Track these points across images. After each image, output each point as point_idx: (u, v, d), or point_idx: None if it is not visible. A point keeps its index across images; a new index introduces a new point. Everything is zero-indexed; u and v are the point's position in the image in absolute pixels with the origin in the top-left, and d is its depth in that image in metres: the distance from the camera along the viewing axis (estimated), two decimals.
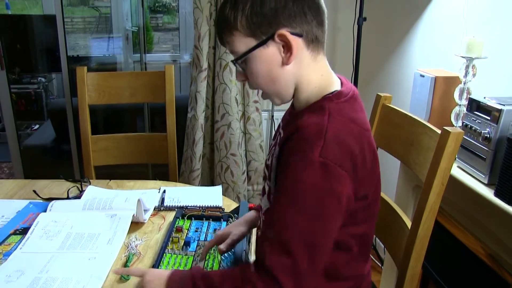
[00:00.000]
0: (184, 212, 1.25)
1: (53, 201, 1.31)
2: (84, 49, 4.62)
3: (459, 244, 1.42)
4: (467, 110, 1.45)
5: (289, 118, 0.96)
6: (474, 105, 1.41)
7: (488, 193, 1.30)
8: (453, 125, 1.64)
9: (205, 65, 2.30)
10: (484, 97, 1.38)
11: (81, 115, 1.75)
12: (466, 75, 1.57)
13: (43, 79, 3.85)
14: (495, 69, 1.61)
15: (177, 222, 1.21)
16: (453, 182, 1.38)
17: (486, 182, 1.35)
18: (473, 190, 1.34)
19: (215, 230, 1.18)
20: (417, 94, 1.80)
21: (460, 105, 1.61)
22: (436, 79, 1.69)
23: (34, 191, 1.42)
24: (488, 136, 1.32)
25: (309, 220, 0.77)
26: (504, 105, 1.29)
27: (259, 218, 1.07)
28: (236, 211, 1.24)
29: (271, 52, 0.84)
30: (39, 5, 4.06)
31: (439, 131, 0.99)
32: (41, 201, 1.37)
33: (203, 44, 2.26)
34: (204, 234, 1.16)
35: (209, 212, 1.25)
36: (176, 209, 1.32)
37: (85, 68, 1.74)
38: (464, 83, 1.59)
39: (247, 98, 2.41)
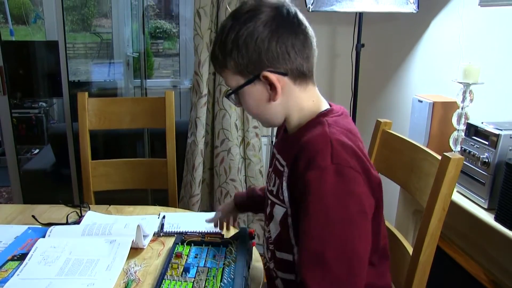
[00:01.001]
0: (183, 238, 1.23)
1: (52, 227, 1.30)
2: (85, 74, 4.66)
3: (461, 270, 1.41)
4: (465, 135, 1.46)
5: (284, 143, 1.01)
6: (472, 130, 1.42)
7: (488, 218, 1.30)
8: (451, 150, 1.65)
9: (205, 91, 2.32)
10: (482, 122, 1.39)
11: (81, 140, 1.75)
12: (463, 100, 1.59)
13: (44, 104, 3.88)
14: (492, 94, 1.63)
15: (176, 248, 1.19)
16: (453, 207, 1.38)
17: (486, 207, 1.35)
18: (473, 215, 1.34)
19: (214, 256, 1.17)
20: (415, 119, 1.81)
21: (458, 130, 1.62)
22: (434, 104, 1.70)
23: (33, 216, 1.41)
24: (487, 161, 1.33)
25: (338, 227, 0.78)
26: (501, 130, 1.30)
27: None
28: (236, 237, 1.23)
29: (259, 89, 0.90)
30: (42, 32, 4.12)
31: (439, 157, 1.00)
32: (40, 226, 1.36)
33: (203, 70, 2.29)
34: (204, 260, 1.15)
35: (208, 238, 1.23)
36: (175, 235, 1.31)
37: (86, 93, 1.75)
38: (462, 108, 1.60)
39: (247, 124, 2.42)
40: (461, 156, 0.96)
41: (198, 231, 1.33)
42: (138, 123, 1.84)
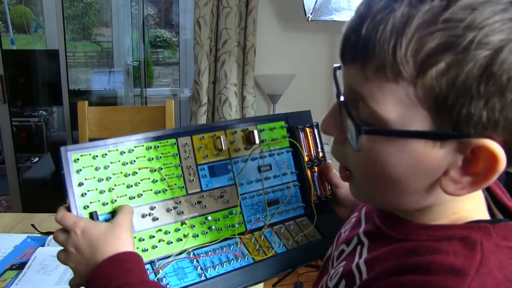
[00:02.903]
0: (297, 127, 0.76)
1: (51, 235, 1.30)
2: (85, 83, 4.68)
3: None
4: None
5: (383, 221, 0.52)
6: None
7: None
8: None
9: (204, 99, 2.33)
10: None
11: None
12: None
13: (44, 112, 3.88)
14: None
15: (266, 128, 0.73)
16: None
17: None
18: None
19: (274, 202, 0.73)
20: None
21: None
22: None
23: (32, 225, 1.41)
24: None
25: None
26: None
27: None
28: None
29: (439, 157, 0.42)
30: (43, 40, 4.14)
31: None
32: (39, 235, 1.36)
33: (203, 79, 2.30)
34: (260, 189, 0.72)
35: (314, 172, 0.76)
36: None
37: (86, 102, 1.76)
38: None
39: None
40: None
41: None
42: (138, 132, 1.83)
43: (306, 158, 0.74)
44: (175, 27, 4.54)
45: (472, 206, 0.48)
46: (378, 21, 0.40)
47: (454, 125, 0.39)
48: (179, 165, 0.68)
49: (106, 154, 0.67)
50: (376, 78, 0.41)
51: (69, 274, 1.13)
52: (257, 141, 0.70)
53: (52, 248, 1.25)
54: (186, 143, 0.69)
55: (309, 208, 0.74)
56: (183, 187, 0.68)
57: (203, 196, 0.68)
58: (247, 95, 2.40)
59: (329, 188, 0.77)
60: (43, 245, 1.26)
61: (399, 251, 0.47)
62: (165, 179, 0.67)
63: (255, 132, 0.70)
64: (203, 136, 0.69)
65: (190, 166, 0.68)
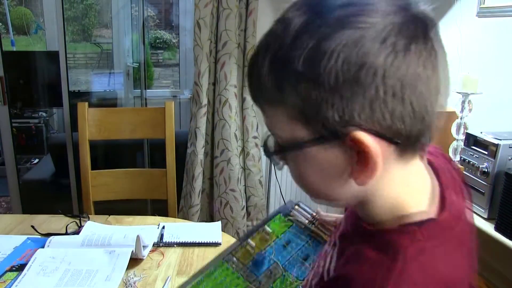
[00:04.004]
0: (291, 210, 0.93)
1: (51, 237, 1.30)
2: (85, 84, 4.69)
3: None
4: (464, 145, 1.47)
5: (351, 231, 0.57)
6: (471, 140, 1.42)
7: (488, 227, 1.30)
8: None
9: (204, 101, 2.33)
10: (481, 132, 1.40)
11: (81, 150, 1.76)
12: (462, 110, 1.60)
13: (44, 114, 3.89)
14: (490, 104, 1.64)
15: (271, 222, 0.90)
16: None
17: (485, 216, 1.35)
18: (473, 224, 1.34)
19: (306, 257, 0.86)
20: None
21: (457, 140, 1.63)
22: None
23: (32, 227, 1.41)
24: (486, 170, 1.33)
25: None
26: (500, 139, 1.30)
27: None
28: None
29: (334, 156, 0.47)
30: (43, 42, 4.15)
31: None
32: (39, 236, 1.36)
33: (203, 80, 2.30)
34: (289, 257, 0.85)
35: (319, 226, 0.90)
36: (174, 246, 1.31)
37: (86, 103, 1.76)
38: (461, 118, 1.61)
39: (246, 134, 2.42)
40: (460, 166, 0.96)
41: (198, 241, 1.33)
42: (138, 134, 1.84)
43: (306, 222, 0.91)
44: (175, 29, 4.55)
45: (408, 196, 0.50)
46: (251, 71, 0.49)
47: (325, 128, 0.45)
48: (239, 276, 0.84)
49: None
50: (266, 110, 0.50)
51: (68, 275, 1.13)
52: (270, 232, 0.89)
53: (52, 250, 1.25)
54: (233, 260, 0.86)
55: None
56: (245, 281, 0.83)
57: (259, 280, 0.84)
58: (247, 96, 2.40)
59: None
60: (43, 247, 1.26)
61: (344, 256, 0.52)
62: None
63: (267, 228, 0.89)
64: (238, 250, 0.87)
65: (241, 268, 0.85)
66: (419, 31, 0.44)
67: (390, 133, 0.45)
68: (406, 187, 0.51)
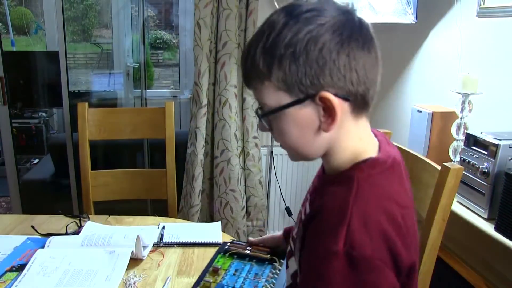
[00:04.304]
0: (228, 247, 1.11)
1: (51, 237, 1.30)
2: (86, 84, 4.68)
3: (461, 280, 1.41)
4: (464, 145, 1.47)
5: (318, 185, 0.82)
6: (472, 140, 1.42)
7: (488, 228, 1.30)
8: (451, 160, 1.65)
9: (204, 101, 2.33)
10: (481, 132, 1.39)
11: (81, 150, 1.75)
12: (462, 110, 1.60)
13: (44, 114, 3.89)
14: (490, 104, 1.64)
15: (216, 260, 1.08)
16: (453, 217, 1.37)
17: (486, 216, 1.35)
18: (473, 225, 1.34)
19: (255, 275, 1.04)
20: (414, 129, 1.82)
21: (457, 140, 1.63)
22: (433, 114, 1.71)
23: (32, 227, 1.41)
24: (486, 170, 1.33)
25: None
26: (500, 140, 1.30)
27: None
28: (283, 256, 1.09)
29: (308, 114, 0.69)
30: (43, 42, 4.15)
31: (439, 167, 1.00)
32: (39, 236, 1.36)
33: (203, 80, 2.30)
34: (242, 280, 1.02)
35: (255, 251, 1.10)
36: (174, 246, 1.31)
37: (86, 104, 1.76)
38: (461, 119, 1.61)
39: (246, 134, 2.42)
40: (460, 166, 0.96)
41: (197, 241, 1.33)
42: (138, 134, 1.84)
43: (244, 250, 1.13)
44: (175, 29, 4.55)
45: (361, 148, 0.73)
46: (246, 59, 0.71)
47: (301, 91, 0.67)
48: None
49: None
50: (257, 86, 0.71)
51: (68, 275, 1.13)
52: (219, 267, 1.08)
53: (52, 250, 1.25)
54: None
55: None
56: None
57: None
58: (247, 96, 2.40)
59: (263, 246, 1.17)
60: (43, 247, 1.26)
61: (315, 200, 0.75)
62: None
63: (216, 265, 1.09)
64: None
65: None
66: (357, 26, 0.68)
67: (344, 93, 0.67)
68: (359, 141, 0.73)
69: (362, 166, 0.70)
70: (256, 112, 0.76)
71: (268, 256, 1.10)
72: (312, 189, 0.83)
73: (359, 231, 0.62)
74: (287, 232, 1.13)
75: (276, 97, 0.69)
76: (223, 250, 1.13)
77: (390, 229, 0.64)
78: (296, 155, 0.76)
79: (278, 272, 1.05)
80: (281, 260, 1.09)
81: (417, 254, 0.73)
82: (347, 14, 0.68)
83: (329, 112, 0.67)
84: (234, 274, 1.04)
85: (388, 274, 0.63)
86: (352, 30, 0.67)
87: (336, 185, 0.70)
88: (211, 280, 1.03)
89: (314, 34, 0.65)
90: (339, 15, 0.67)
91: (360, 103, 0.70)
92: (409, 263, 0.68)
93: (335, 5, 0.69)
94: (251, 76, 0.71)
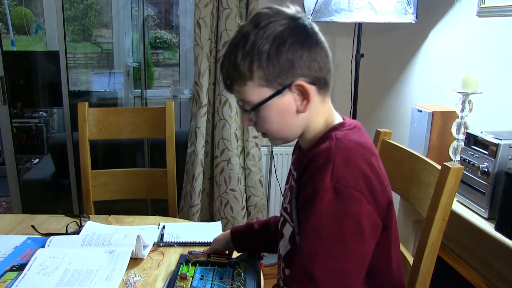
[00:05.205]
0: (188, 258, 1.19)
1: (52, 237, 1.30)
2: (86, 84, 4.68)
3: (462, 280, 1.41)
4: (464, 144, 1.46)
5: (299, 159, 0.97)
6: (472, 140, 1.42)
7: (488, 227, 1.30)
8: (451, 160, 1.65)
9: (205, 101, 2.33)
10: (481, 132, 1.39)
11: (81, 150, 1.75)
12: (462, 110, 1.60)
13: (44, 114, 3.89)
14: (491, 104, 1.64)
15: (181, 269, 1.14)
16: (453, 217, 1.37)
17: (486, 216, 1.34)
18: (474, 224, 1.34)
19: (221, 278, 1.11)
20: (415, 129, 1.82)
21: (457, 139, 1.63)
22: (433, 114, 1.71)
23: (33, 226, 1.41)
24: (487, 170, 1.33)
25: (330, 246, 0.77)
26: (501, 139, 1.30)
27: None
28: (243, 258, 1.19)
29: (287, 100, 0.86)
30: (43, 42, 4.15)
31: (439, 167, 1.00)
32: (40, 236, 1.36)
33: (203, 80, 2.30)
34: (210, 283, 1.09)
35: (214, 258, 1.19)
36: (175, 245, 1.31)
37: (87, 103, 1.76)
38: (461, 118, 1.61)
39: (247, 134, 2.42)
40: (460, 166, 0.96)
41: (197, 241, 1.33)
42: (138, 134, 1.84)
43: (204, 258, 1.18)
44: (175, 28, 4.54)
45: (330, 119, 0.92)
46: (227, 67, 0.87)
47: (279, 84, 0.84)
48: None
49: None
50: (240, 88, 0.87)
51: (69, 275, 1.13)
52: (187, 274, 1.13)
53: (52, 249, 1.25)
54: None
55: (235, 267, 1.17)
56: None
57: None
58: None
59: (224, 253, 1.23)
60: (43, 247, 1.26)
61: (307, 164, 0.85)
62: None
63: (183, 272, 1.13)
64: None
65: None
66: (308, 28, 0.86)
67: (311, 79, 0.86)
68: (328, 115, 0.92)
69: (335, 126, 0.90)
70: (243, 109, 0.90)
71: (227, 260, 1.18)
72: (295, 166, 0.97)
73: (342, 169, 0.79)
74: (235, 232, 1.21)
75: (258, 93, 0.85)
76: (184, 260, 1.18)
77: (366, 168, 0.81)
78: (278, 139, 0.92)
79: (243, 271, 1.11)
80: (242, 262, 1.16)
81: (390, 192, 0.87)
82: (299, 19, 0.86)
83: (303, 96, 0.86)
84: (201, 279, 1.11)
85: (367, 207, 0.79)
86: (306, 32, 0.85)
87: (318, 145, 0.86)
88: (183, 285, 1.08)
89: (281, 39, 0.83)
90: (292, 21, 0.85)
91: (323, 85, 0.88)
92: (385, 199, 0.83)
93: (286, 14, 0.86)
94: (234, 80, 0.86)
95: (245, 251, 1.22)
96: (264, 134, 0.93)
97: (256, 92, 0.85)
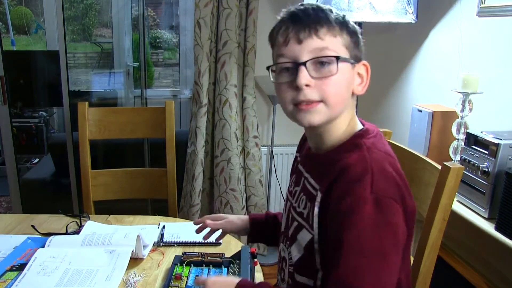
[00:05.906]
0: (182, 258, 1.20)
1: (52, 237, 1.30)
2: (86, 84, 4.68)
3: (462, 280, 1.41)
4: (465, 144, 1.46)
5: (313, 163, 0.94)
6: (472, 140, 1.42)
7: (489, 227, 1.30)
8: (451, 160, 1.65)
9: (205, 100, 2.33)
10: (481, 132, 1.39)
11: (81, 150, 1.75)
12: (463, 109, 1.60)
13: (44, 113, 3.89)
14: (491, 104, 1.64)
15: (175, 269, 1.15)
16: (454, 217, 1.37)
17: (486, 216, 1.34)
18: (474, 224, 1.34)
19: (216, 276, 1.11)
20: (415, 129, 1.82)
21: (458, 139, 1.62)
22: (433, 114, 1.71)
23: (33, 226, 1.41)
24: (487, 170, 1.33)
25: (373, 260, 0.74)
26: (501, 139, 1.30)
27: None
28: (237, 256, 1.18)
29: (352, 75, 0.87)
30: (43, 41, 4.15)
31: (439, 167, 1.00)
32: (40, 236, 1.36)
33: (203, 80, 2.30)
34: None
35: (208, 258, 1.20)
36: (175, 245, 1.31)
37: (87, 103, 1.76)
38: (461, 118, 1.61)
39: (247, 134, 2.42)
40: (461, 166, 0.96)
41: (197, 241, 1.33)
42: (139, 133, 1.84)
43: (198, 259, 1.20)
44: (176, 28, 4.54)
45: (353, 122, 0.90)
46: (318, 12, 0.85)
47: (353, 57, 0.86)
48: None
49: None
50: (328, 38, 0.83)
51: (69, 275, 1.13)
52: (182, 274, 1.14)
53: (52, 249, 1.24)
54: None
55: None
56: None
57: None
58: (247, 96, 2.40)
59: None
60: (43, 246, 1.26)
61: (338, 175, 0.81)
62: None
63: (178, 272, 1.14)
64: None
65: None
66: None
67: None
68: (352, 115, 0.91)
69: (361, 133, 0.88)
70: (318, 61, 0.83)
71: (222, 260, 1.19)
72: (309, 168, 0.94)
73: (381, 180, 0.77)
74: (255, 218, 1.22)
75: (343, 51, 0.84)
76: (178, 261, 1.19)
77: (397, 178, 0.80)
78: (328, 110, 0.85)
79: (237, 270, 1.12)
80: (236, 261, 1.16)
81: (414, 200, 0.85)
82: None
83: (361, 77, 0.89)
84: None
85: (401, 217, 0.78)
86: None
87: (347, 151, 0.84)
88: (178, 285, 1.08)
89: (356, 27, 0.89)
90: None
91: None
92: (411, 208, 0.82)
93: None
94: (325, 26, 0.83)
95: (257, 242, 1.26)
96: (313, 104, 0.85)
97: (341, 48, 0.84)
